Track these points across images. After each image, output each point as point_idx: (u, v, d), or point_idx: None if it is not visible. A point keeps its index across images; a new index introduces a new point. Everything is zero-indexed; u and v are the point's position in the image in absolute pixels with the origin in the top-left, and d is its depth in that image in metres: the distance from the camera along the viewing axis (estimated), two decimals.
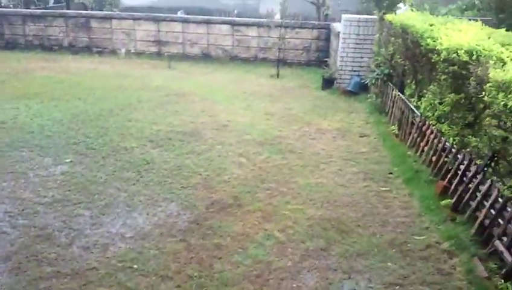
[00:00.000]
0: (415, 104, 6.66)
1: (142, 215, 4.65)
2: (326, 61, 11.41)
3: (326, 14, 14.78)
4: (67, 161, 5.92)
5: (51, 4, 20.20)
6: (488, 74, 4.15)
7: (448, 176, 5.09)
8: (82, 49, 13.71)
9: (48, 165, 5.76)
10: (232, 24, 13.01)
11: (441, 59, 5.21)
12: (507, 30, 10.66)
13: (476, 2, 16.69)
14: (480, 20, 12.41)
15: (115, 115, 7.87)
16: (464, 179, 4.77)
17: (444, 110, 5.57)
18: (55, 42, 13.87)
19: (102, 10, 19.26)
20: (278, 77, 11.37)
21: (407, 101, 6.89)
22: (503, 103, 3.90)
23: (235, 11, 17.74)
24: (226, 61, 12.97)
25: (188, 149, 6.42)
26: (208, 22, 13.09)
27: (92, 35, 13.64)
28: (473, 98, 4.94)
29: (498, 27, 11.09)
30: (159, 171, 5.68)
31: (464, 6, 17.54)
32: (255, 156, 6.29)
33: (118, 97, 9.00)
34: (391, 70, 8.11)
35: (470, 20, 6.69)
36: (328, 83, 10.31)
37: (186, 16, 14.98)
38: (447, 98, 5.41)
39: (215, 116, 8.00)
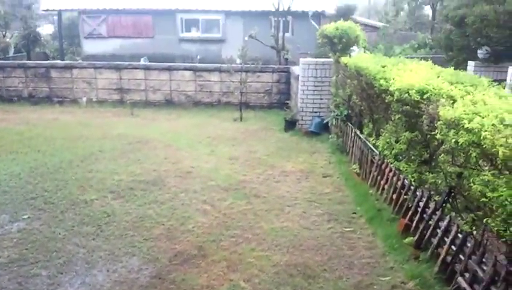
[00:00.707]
0: (373, 143, 6.81)
1: (102, 272, 4.46)
2: (288, 103, 11.65)
3: (286, 58, 15.23)
4: (25, 217, 5.68)
5: (11, 54, 19.99)
6: (439, 112, 4.31)
7: (409, 213, 5.16)
8: (42, 99, 13.50)
9: (4, 223, 5.50)
10: (194, 70, 13.18)
11: (394, 99, 5.39)
12: (455, 67, 11.25)
13: (427, 41, 17.66)
14: (432, 57, 13.10)
15: (75, 166, 7.68)
16: (424, 215, 4.84)
17: (401, 148, 5.72)
18: (14, 93, 13.62)
19: (63, 59, 19.20)
20: (241, 120, 11.48)
21: (366, 141, 7.06)
22: (454, 140, 4.04)
23: (198, 56, 18.06)
24: (189, 107, 13.04)
25: (151, 199, 6.29)
26: (170, 69, 13.22)
27: (52, 85, 13.49)
28: (427, 136, 5.10)
29: (448, 64, 11.76)
30: (120, 223, 5.51)
31: (417, 45, 18.51)
32: (219, 202, 6.22)
33: (79, 147, 8.82)
34: (349, 111, 8.34)
35: (421, 59, 7.04)
36: (290, 125, 10.47)
37: (148, 63, 15.10)
38: (402, 137, 5.57)
39: (179, 162, 7.93)
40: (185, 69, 13.26)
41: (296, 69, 11.32)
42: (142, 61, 17.49)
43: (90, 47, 19.31)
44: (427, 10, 22.81)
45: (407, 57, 15.51)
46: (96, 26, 19.23)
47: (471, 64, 10.94)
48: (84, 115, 11.99)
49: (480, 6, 9.82)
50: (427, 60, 6.52)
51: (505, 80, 9.50)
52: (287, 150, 8.86)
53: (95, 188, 6.68)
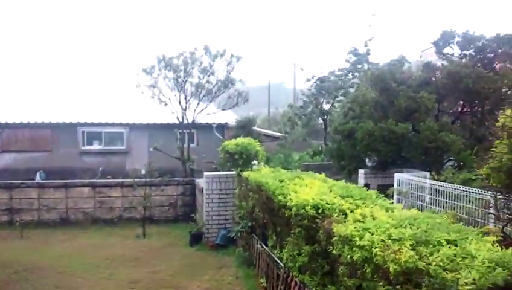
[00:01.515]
0: (278, 255, 6.82)
1: None
2: (193, 216, 11.47)
3: (192, 168, 15.36)
4: None
5: None
6: (332, 228, 4.48)
7: None
8: None
9: None
10: (94, 186, 12.64)
11: (293, 214, 5.55)
12: (348, 175, 12.07)
13: (322, 149, 18.99)
14: (328, 164, 13.92)
15: None
16: None
17: (303, 261, 5.77)
18: None
19: None
20: (144, 237, 10.96)
21: (271, 253, 7.05)
22: (349, 255, 4.17)
23: (100, 169, 17.47)
24: (87, 225, 12.24)
25: None
26: (67, 186, 12.53)
27: None
28: (327, 248, 5.23)
29: (341, 171, 12.63)
30: None
31: (312, 153, 19.83)
32: None
33: None
34: (253, 223, 8.39)
35: (315, 170, 7.48)
36: (196, 239, 10.21)
37: (42, 181, 14.24)
38: (303, 249, 5.65)
39: None
40: (83, 185, 12.66)
41: (200, 182, 11.37)
42: (38, 176, 16.47)
43: None
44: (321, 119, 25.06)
45: (305, 164, 16.55)
46: None
47: (361, 171, 11.88)
48: None
49: (367, 124, 10.97)
50: (321, 173, 6.95)
51: (392, 185, 10.39)
52: (193, 267, 8.51)
53: None
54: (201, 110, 16.15)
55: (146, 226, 11.29)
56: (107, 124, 18.43)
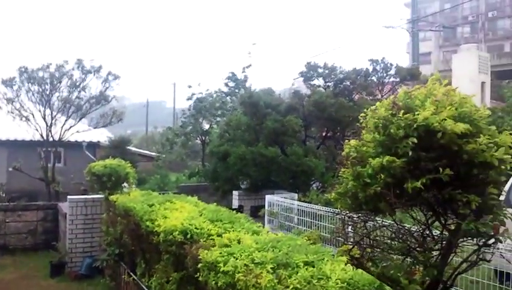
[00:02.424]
0: (146, 283, 6.52)
1: None
2: (55, 244, 10.48)
3: (57, 190, 14.15)
4: None
5: None
6: (199, 254, 4.41)
7: None
8: None
9: None
10: None
11: (161, 240, 5.37)
12: (223, 196, 12.18)
13: (199, 170, 18.97)
14: (204, 185, 13.93)
15: None
16: None
17: (172, 289, 5.59)
18: None
19: None
20: None
21: (139, 282, 6.72)
22: (214, 282, 4.13)
23: None
24: None
25: None
26: None
27: None
28: (195, 275, 5.14)
29: (217, 191, 12.74)
30: None
31: (189, 174, 19.73)
32: None
33: None
34: (122, 250, 7.95)
35: (192, 194, 7.41)
36: (57, 269, 9.33)
37: None
38: (172, 277, 5.49)
39: None
40: None
41: (64, 206, 10.48)
42: None
43: None
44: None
45: (182, 185, 16.35)
46: None
47: (235, 193, 12.13)
48: None
49: (240, 148, 11.27)
50: (196, 194, 6.89)
51: (264, 206, 10.75)
52: None
53: None
54: (70, 127, 15.05)
55: None
56: None
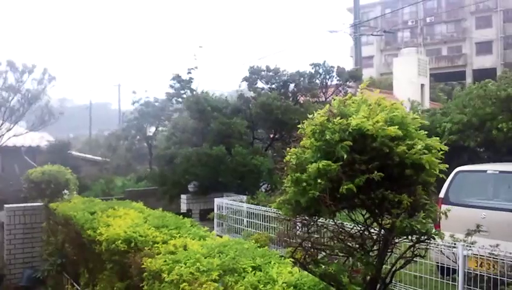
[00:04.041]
0: None
1: None
2: None
3: None
4: None
5: None
6: (143, 263, 4.32)
7: None
8: None
9: None
10: None
11: (103, 249, 5.21)
12: (170, 200, 12.00)
13: (145, 174, 18.53)
14: (152, 189, 13.65)
15: None
16: None
17: None
18: None
19: None
20: None
21: None
22: None
23: None
24: None
25: None
26: None
27: None
28: (140, 284, 5.02)
29: (164, 196, 12.52)
30: None
31: (136, 178, 19.23)
32: None
33: None
34: (64, 260, 7.64)
35: (138, 199, 7.25)
36: None
37: None
38: (116, 287, 5.33)
39: None
40: None
41: (1, 215, 9.91)
42: None
43: None
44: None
45: (128, 190, 15.93)
46: None
47: (183, 197, 11.97)
48: None
49: (186, 148, 11.15)
50: (143, 199, 6.74)
51: (213, 209, 10.69)
52: None
53: None
54: (7, 131, 14.30)
55: None
56: None
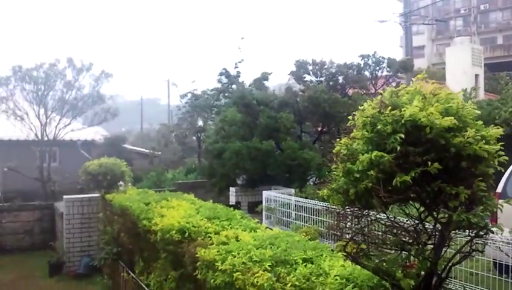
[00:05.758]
0: (145, 282, 6.56)
1: None
2: (52, 244, 10.49)
3: (53, 190, 14.13)
4: None
5: None
6: (196, 253, 4.45)
7: None
8: None
9: None
10: None
11: (158, 239, 5.40)
12: (219, 192, 12.19)
13: (195, 167, 18.97)
14: (201, 181, 13.91)
15: None
16: None
17: (171, 287, 5.63)
18: None
19: None
20: None
21: (138, 280, 6.75)
22: (213, 280, 4.17)
23: None
24: None
25: None
26: None
27: None
28: (193, 273, 5.17)
29: (214, 188, 12.74)
30: None
31: (185, 171, 19.70)
32: None
33: None
34: (119, 248, 7.98)
35: (188, 191, 7.44)
36: (56, 268, 9.35)
37: None
38: (170, 275, 5.53)
39: None
40: None
41: (60, 206, 10.49)
42: None
43: None
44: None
45: (178, 182, 16.34)
46: None
47: (232, 189, 12.15)
48: None
49: (234, 143, 11.29)
50: (194, 191, 6.90)
51: (261, 202, 10.79)
52: None
53: None
54: (65, 126, 15.03)
55: None
56: None
